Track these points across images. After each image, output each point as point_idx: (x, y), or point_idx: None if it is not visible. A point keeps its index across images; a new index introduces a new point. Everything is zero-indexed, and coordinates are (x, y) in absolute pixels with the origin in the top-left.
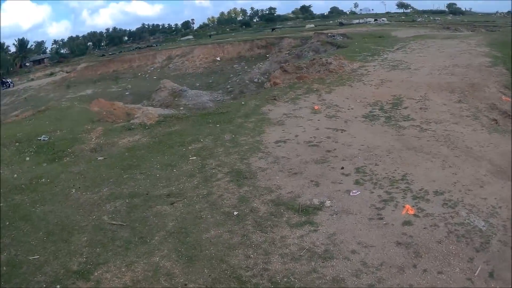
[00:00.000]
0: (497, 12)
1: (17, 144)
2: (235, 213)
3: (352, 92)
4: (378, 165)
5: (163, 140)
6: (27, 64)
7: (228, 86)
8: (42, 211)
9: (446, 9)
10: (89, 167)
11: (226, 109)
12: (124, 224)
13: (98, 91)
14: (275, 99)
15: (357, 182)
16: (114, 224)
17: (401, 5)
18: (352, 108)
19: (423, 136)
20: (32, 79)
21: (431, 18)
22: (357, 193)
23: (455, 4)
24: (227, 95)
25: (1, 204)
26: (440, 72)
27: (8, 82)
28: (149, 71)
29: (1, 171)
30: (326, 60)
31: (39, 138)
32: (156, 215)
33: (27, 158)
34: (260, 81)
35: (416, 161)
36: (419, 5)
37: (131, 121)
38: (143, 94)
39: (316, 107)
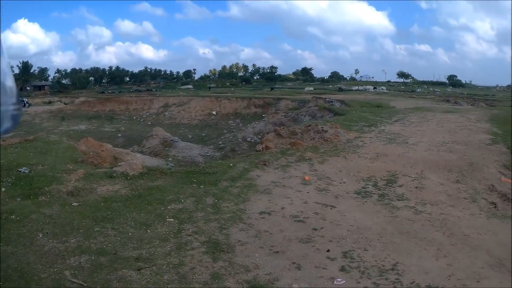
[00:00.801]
0: (497, 85)
1: None
2: None
3: (346, 164)
4: (367, 250)
5: (143, 195)
6: (28, 88)
7: (220, 142)
8: (3, 252)
9: (446, 81)
10: (62, 212)
11: (213, 169)
12: (85, 285)
13: (91, 128)
14: (265, 164)
15: (343, 269)
16: (74, 282)
17: (401, 75)
18: (344, 182)
19: (418, 219)
20: (30, 105)
21: (431, 89)
22: (342, 282)
23: (456, 76)
24: (217, 151)
25: None
26: (439, 149)
27: (24, 101)
28: (144, 116)
29: None
30: (322, 127)
31: (19, 170)
32: (120, 280)
33: (3, 189)
34: (253, 140)
35: (409, 248)
36: (420, 76)
37: (114, 168)
38: (134, 138)
39: (306, 178)
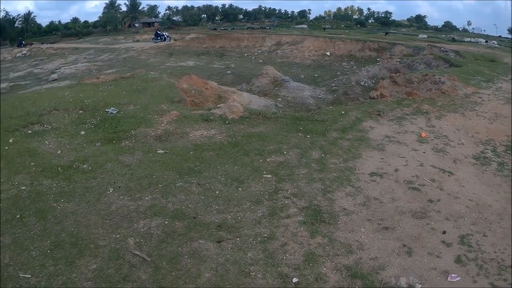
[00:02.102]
0: None
1: (81, 112)
2: (294, 280)
3: (464, 122)
4: (486, 236)
5: (240, 143)
6: (136, 25)
7: (333, 84)
8: (63, 210)
9: None
10: (143, 160)
11: (322, 116)
12: (149, 260)
13: (199, 65)
14: (379, 114)
15: (459, 260)
16: (137, 255)
17: None
18: (462, 144)
19: None
20: (138, 40)
21: None
22: (457, 279)
23: None
24: (330, 94)
25: (24, 188)
26: None
27: (164, 35)
28: (256, 53)
29: (47, 142)
30: (439, 78)
31: (106, 110)
32: (193, 256)
33: (82, 132)
34: (366, 85)
35: None
36: None
37: (212, 111)
38: (244, 76)
39: (423, 135)
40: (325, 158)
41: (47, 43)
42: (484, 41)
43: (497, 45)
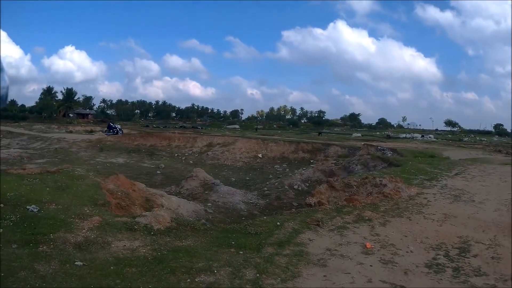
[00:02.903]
0: None
1: (1, 205)
2: None
3: (411, 227)
4: None
5: (166, 259)
6: (71, 115)
7: (266, 188)
8: None
9: (493, 130)
10: (59, 272)
11: (256, 228)
12: None
13: (129, 162)
14: (318, 224)
15: None
16: None
17: (449, 123)
18: (411, 251)
19: None
20: (71, 131)
21: (478, 138)
22: None
23: (502, 125)
24: (262, 199)
25: None
26: (508, 209)
27: (116, 127)
28: (186, 154)
29: None
30: (380, 181)
31: (28, 207)
32: None
33: (0, 230)
34: (300, 188)
35: None
36: (466, 124)
37: (137, 219)
38: (174, 177)
39: (368, 245)
40: (261, 279)
41: None
42: (420, 135)
43: (434, 139)
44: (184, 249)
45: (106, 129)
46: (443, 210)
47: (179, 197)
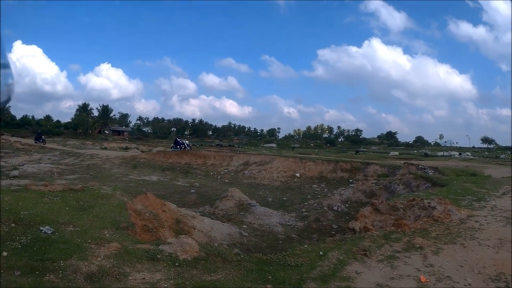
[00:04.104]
0: None
1: (13, 225)
2: None
3: (466, 255)
4: None
5: None
6: (106, 131)
7: (304, 209)
8: None
9: None
10: None
11: (296, 258)
12: None
13: (163, 180)
14: (365, 254)
15: None
16: None
17: (485, 140)
18: (470, 284)
19: None
20: (105, 148)
21: None
22: None
23: None
24: (300, 221)
25: None
26: None
27: (184, 143)
28: (222, 173)
29: None
30: (428, 203)
31: (41, 228)
32: None
33: (5, 253)
34: (340, 209)
35: None
36: (502, 141)
37: (161, 246)
38: (209, 196)
39: (422, 279)
40: None
41: (17, 136)
42: (458, 153)
43: (472, 157)
44: (213, 285)
45: (172, 145)
46: (497, 235)
47: (213, 218)
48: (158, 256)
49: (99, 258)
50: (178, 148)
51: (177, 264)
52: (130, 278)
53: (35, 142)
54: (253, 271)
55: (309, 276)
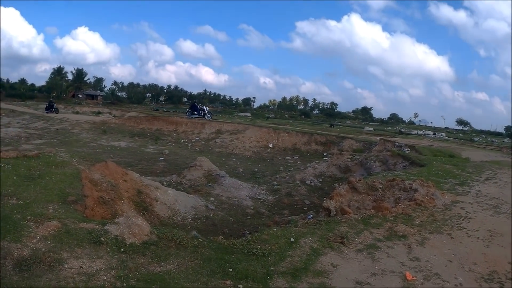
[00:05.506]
0: None
1: None
2: None
3: (455, 248)
4: None
5: None
6: (80, 96)
7: (275, 182)
8: None
9: (504, 132)
10: None
11: (262, 246)
12: None
13: (132, 147)
14: (342, 242)
15: None
16: None
17: (460, 122)
18: (461, 284)
19: None
20: (77, 112)
21: (489, 139)
22: None
23: None
24: (271, 194)
25: None
26: None
27: (204, 109)
28: (193, 140)
29: None
30: (410, 184)
31: None
32: None
33: None
34: (313, 184)
35: None
36: (476, 124)
37: (106, 227)
38: (177, 165)
39: (408, 276)
40: None
41: None
42: (432, 133)
43: (446, 137)
44: (161, 278)
45: (187, 110)
46: (486, 226)
47: (179, 189)
48: (101, 239)
49: (34, 240)
50: (195, 115)
51: (122, 249)
52: (66, 266)
53: (46, 112)
54: (211, 260)
55: (277, 270)
